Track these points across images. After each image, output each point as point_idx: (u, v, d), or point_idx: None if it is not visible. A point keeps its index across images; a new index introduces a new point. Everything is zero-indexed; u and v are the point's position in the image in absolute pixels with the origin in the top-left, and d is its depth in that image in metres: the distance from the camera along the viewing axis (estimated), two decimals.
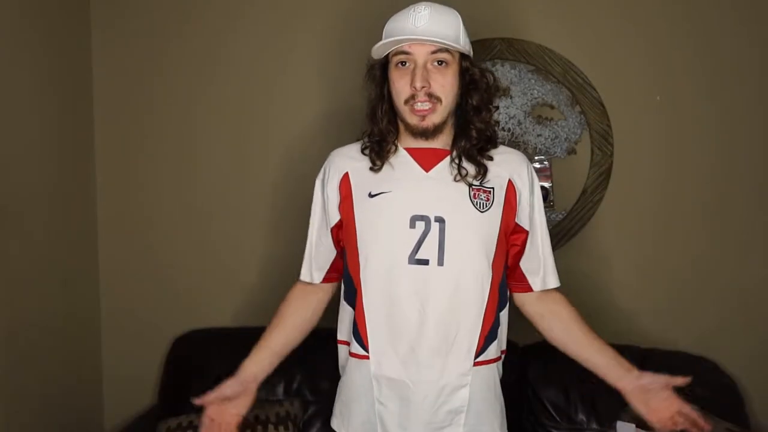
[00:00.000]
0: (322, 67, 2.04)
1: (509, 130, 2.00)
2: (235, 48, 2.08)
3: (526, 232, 1.34)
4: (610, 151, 1.97)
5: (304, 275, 1.42)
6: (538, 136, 1.99)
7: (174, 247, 2.14)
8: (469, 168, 1.27)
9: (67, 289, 2.01)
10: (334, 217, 1.35)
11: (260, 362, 1.37)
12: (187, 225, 2.13)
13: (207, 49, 2.09)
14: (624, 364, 1.30)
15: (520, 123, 1.99)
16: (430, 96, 1.21)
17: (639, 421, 1.63)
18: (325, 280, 1.42)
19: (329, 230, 1.37)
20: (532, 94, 1.99)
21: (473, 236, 1.25)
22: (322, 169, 1.38)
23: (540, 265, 1.36)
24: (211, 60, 2.08)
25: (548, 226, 1.94)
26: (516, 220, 1.32)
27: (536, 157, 1.98)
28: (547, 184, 1.97)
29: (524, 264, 1.36)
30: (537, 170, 1.97)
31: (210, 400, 1.29)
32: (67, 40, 2.01)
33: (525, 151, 1.99)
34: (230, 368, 1.99)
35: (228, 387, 1.31)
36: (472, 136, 1.27)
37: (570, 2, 1.97)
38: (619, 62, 1.96)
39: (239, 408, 1.32)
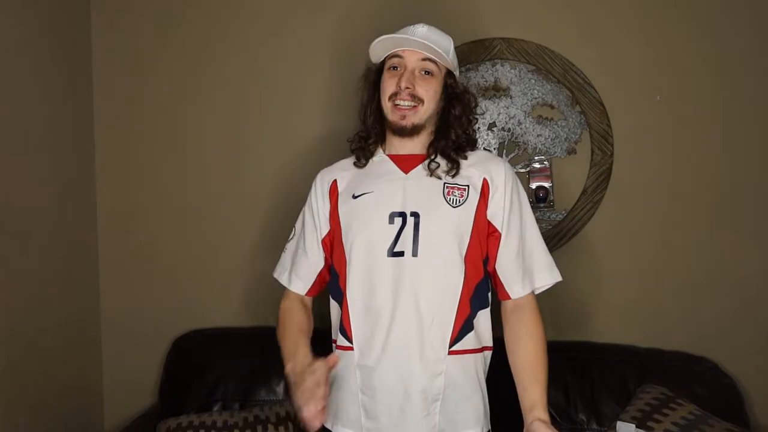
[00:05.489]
0: (319, 86, 2.05)
1: (509, 130, 2.00)
2: (232, 48, 2.08)
3: (499, 234, 1.36)
4: (610, 151, 1.97)
5: (290, 283, 1.47)
6: (538, 136, 1.99)
7: (174, 248, 2.13)
8: (442, 163, 1.36)
9: (67, 289, 2.01)
10: (326, 227, 1.43)
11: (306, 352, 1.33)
12: (187, 226, 2.12)
13: (204, 50, 2.09)
14: (529, 404, 1.32)
15: (520, 123, 1.99)
16: (413, 97, 1.32)
17: (639, 421, 1.64)
18: (310, 292, 1.48)
19: (320, 241, 1.44)
20: (532, 94, 1.99)
21: (445, 229, 1.32)
22: (312, 186, 1.47)
23: (515, 271, 1.37)
24: (208, 59, 2.09)
25: (547, 226, 1.95)
26: (488, 218, 1.36)
27: (536, 157, 1.98)
28: (547, 184, 1.97)
29: (499, 268, 1.38)
30: (537, 170, 1.97)
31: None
32: (67, 37, 2.01)
33: (525, 152, 1.99)
34: (230, 368, 2.03)
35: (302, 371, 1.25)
36: (450, 138, 1.37)
37: (570, 2, 1.97)
38: (619, 62, 1.96)
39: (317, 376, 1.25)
